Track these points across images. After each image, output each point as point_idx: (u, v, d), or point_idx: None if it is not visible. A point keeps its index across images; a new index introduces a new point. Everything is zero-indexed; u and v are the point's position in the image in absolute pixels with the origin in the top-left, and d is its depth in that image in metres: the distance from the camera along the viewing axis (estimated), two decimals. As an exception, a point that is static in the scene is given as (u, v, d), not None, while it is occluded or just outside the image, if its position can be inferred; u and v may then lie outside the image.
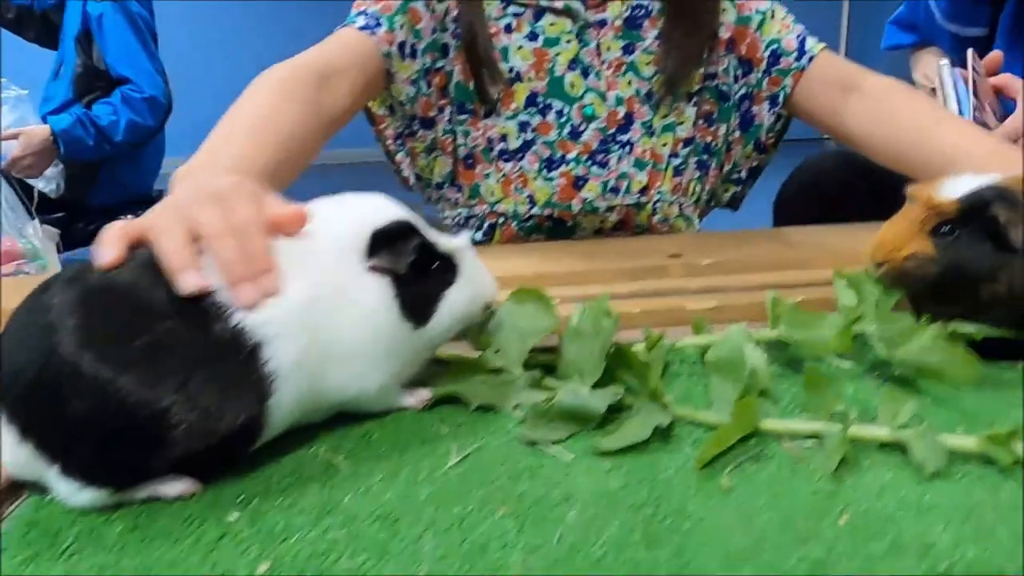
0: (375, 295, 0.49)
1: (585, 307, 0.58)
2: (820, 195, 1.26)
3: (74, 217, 3.01)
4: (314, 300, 0.47)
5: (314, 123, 0.74)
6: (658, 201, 0.92)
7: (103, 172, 2.62)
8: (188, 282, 0.44)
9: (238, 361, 0.44)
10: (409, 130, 0.92)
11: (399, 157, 0.93)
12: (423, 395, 0.55)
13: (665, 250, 0.83)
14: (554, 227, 0.92)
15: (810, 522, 0.41)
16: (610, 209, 0.91)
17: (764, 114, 0.93)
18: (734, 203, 1.03)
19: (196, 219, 0.47)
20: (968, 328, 0.57)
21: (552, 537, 0.40)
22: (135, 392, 0.42)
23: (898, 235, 0.57)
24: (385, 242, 0.50)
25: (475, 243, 0.93)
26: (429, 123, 0.92)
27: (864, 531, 0.40)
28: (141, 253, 0.47)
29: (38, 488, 0.45)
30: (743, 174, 1.00)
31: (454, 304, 0.53)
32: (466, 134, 0.91)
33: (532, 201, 0.91)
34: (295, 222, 0.49)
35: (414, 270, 0.50)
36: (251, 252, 0.46)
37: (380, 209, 0.52)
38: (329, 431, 0.52)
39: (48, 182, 2.26)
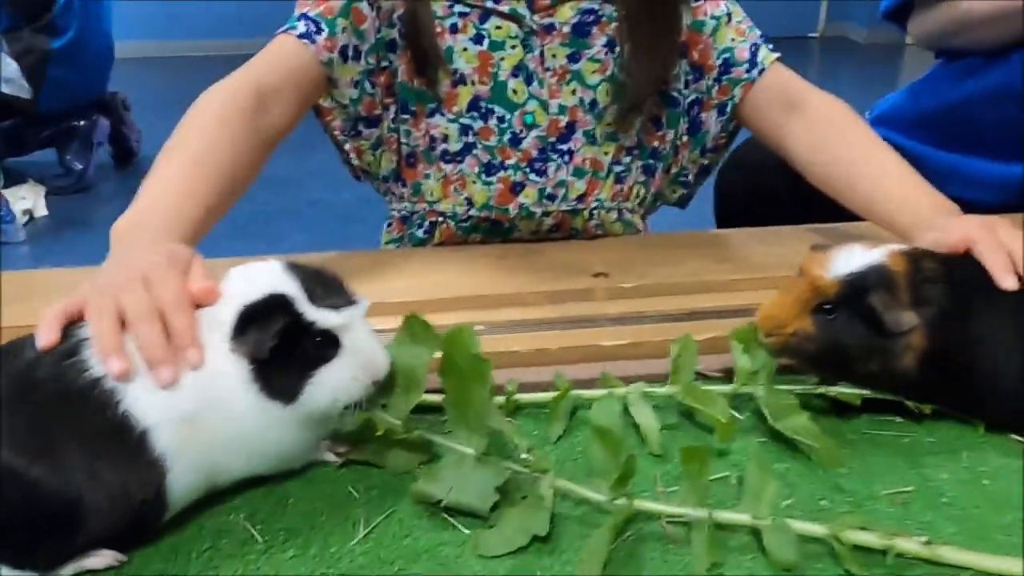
0: (236, 378, 0.51)
1: (451, 347, 0.57)
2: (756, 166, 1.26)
3: (24, 124, 2.94)
4: (193, 387, 0.50)
5: (254, 147, 0.78)
6: (596, 208, 0.94)
7: (51, 75, 2.54)
8: (113, 367, 0.49)
9: (132, 446, 0.48)
10: (355, 131, 0.92)
11: (347, 147, 0.94)
12: (340, 451, 0.59)
13: (593, 266, 0.86)
14: (492, 228, 0.95)
15: (665, 620, 0.47)
16: (547, 214, 0.93)
17: (712, 122, 0.94)
18: (682, 203, 1.05)
19: (122, 302, 0.52)
20: (849, 394, 0.63)
21: (436, 635, 0.45)
22: (49, 482, 0.46)
23: (783, 310, 0.61)
24: (250, 323, 0.51)
25: (417, 242, 0.97)
26: (374, 121, 0.92)
27: (709, 633, 0.46)
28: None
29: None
30: (691, 177, 1.01)
31: (329, 382, 0.52)
32: (408, 133, 0.91)
33: (470, 203, 0.93)
34: (206, 297, 0.53)
35: (278, 351, 0.50)
36: (175, 330, 0.51)
37: (255, 285, 0.52)
38: (250, 490, 0.56)
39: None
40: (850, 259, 0.60)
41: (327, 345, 0.52)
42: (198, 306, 0.53)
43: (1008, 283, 0.61)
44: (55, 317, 0.52)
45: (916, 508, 0.56)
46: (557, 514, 0.54)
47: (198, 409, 0.50)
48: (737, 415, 0.65)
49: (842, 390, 0.63)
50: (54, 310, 0.53)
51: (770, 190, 1.17)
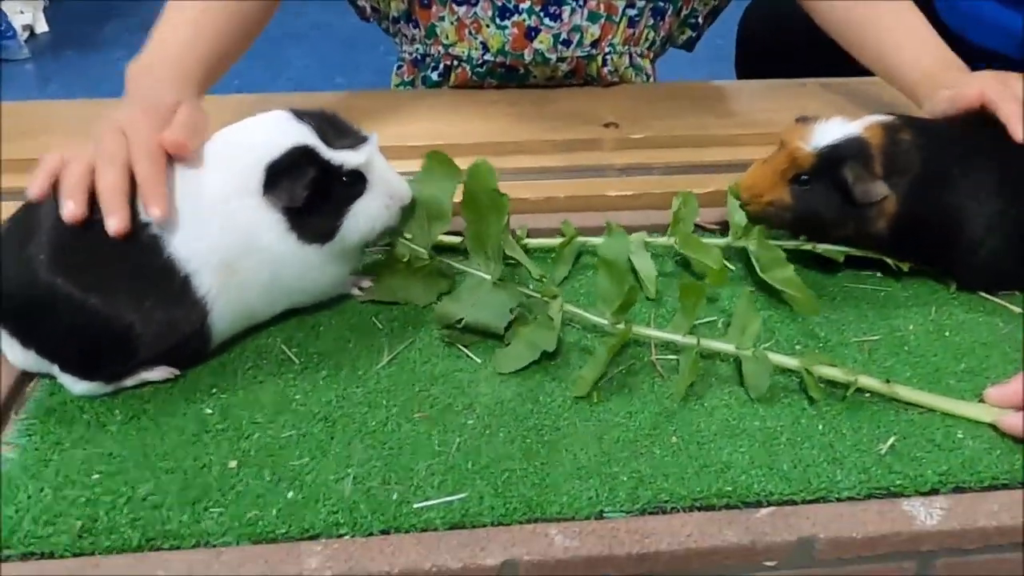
0: (270, 226, 0.55)
1: (472, 180, 0.62)
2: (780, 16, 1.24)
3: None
4: (225, 243, 0.54)
5: None
6: (609, 53, 0.95)
7: None
8: (67, 208, 0.52)
9: (176, 288, 0.53)
10: None
11: None
12: (364, 284, 0.65)
13: (604, 116, 0.89)
14: (507, 73, 0.96)
15: (648, 440, 0.54)
16: (562, 60, 0.94)
17: None
18: (689, 45, 1.05)
19: (98, 149, 0.55)
20: (833, 250, 0.68)
21: (452, 445, 0.53)
22: (103, 310, 0.52)
23: (762, 180, 0.65)
24: (280, 176, 0.54)
25: (431, 84, 0.98)
26: None
27: (685, 452, 0.53)
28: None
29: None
30: (700, 19, 1.01)
31: (363, 214, 0.57)
32: (421, -29, 0.90)
33: (485, 48, 0.93)
34: (177, 151, 0.55)
35: (311, 199, 0.54)
36: (139, 179, 0.53)
37: (276, 138, 0.55)
38: (285, 320, 0.62)
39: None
40: (828, 131, 0.63)
41: (355, 183, 0.57)
42: (170, 158, 0.55)
43: (1021, 134, 0.63)
44: (47, 171, 0.54)
45: (880, 354, 0.62)
46: (561, 341, 0.61)
47: (237, 256, 0.55)
48: (729, 266, 0.71)
49: (827, 247, 0.68)
50: (51, 159, 0.55)
51: (791, 42, 1.16)
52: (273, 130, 0.57)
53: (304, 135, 0.56)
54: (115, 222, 0.52)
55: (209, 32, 0.70)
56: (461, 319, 0.61)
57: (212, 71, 0.70)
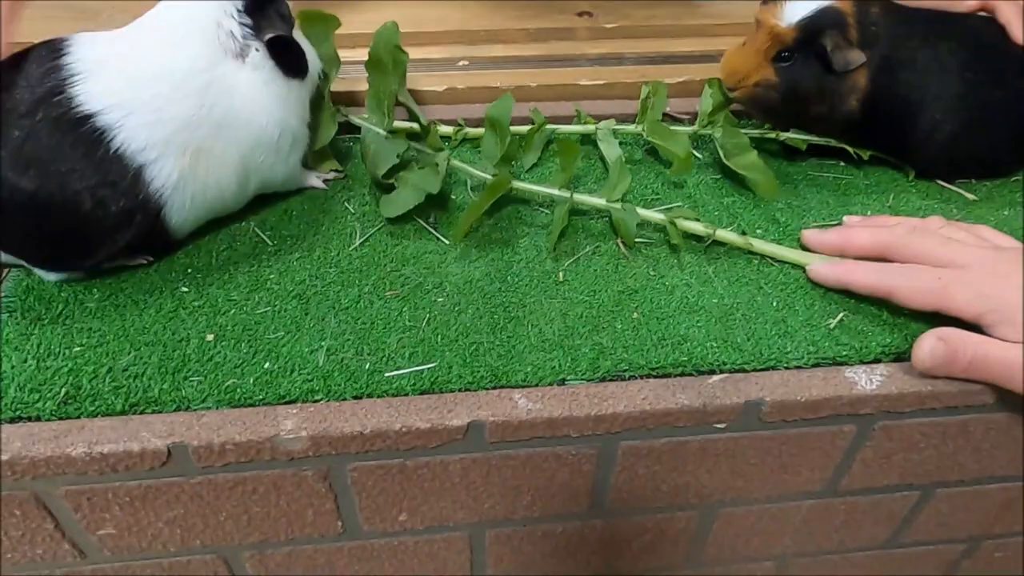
0: (252, 77, 0.56)
1: (378, 41, 0.65)
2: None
3: None
4: (196, 121, 0.54)
5: None
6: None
7: None
8: None
9: (128, 178, 0.52)
10: None
11: None
12: (328, 177, 0.66)
13: (577, 4, 0.88)
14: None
15: (610, 315, 0.57)
16: (535, -53, 0.92)
17: None
18: None
19: None
20: (796, 138, 0.69)
21: (423, 320, 0.55)
22: (56, 209, 0.50)
23: (746, 62, 0.65)
24: (263, 9, 0.57)
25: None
26: None
27: (645, 326, 0.56)
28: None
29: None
30: None
31: (311, 51, 0.62)
32: None
33: (457, -67, 0.91)
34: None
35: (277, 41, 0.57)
36: None
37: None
38: (257, 205, 0.63)
39: None
40: (802, 6, 0.63)
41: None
42: None
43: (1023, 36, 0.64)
44: None
45: (837, 238, 0.64)
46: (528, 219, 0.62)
47: (207, 135, 0.55)
48: (696, 154, 0.72)
49: (791, 135, 0.69)
50: None
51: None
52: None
53: None
54: None
55: None
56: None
57: None
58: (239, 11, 0.56)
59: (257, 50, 0.56)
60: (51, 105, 0.50)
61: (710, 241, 0.61)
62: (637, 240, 0.63)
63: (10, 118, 0.50)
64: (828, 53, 0.61)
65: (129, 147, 0.52)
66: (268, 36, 0.56)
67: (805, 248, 0.61)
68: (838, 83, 0.63)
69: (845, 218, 0.64)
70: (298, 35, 0.61)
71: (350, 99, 0.73)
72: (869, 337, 0.55)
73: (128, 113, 0.52)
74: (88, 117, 0.51)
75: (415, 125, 0.68)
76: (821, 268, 0.58)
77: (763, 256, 0.61)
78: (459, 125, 0.72)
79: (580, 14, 0.86)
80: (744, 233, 0.61)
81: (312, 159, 0.66)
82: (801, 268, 0.60)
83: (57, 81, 0.51)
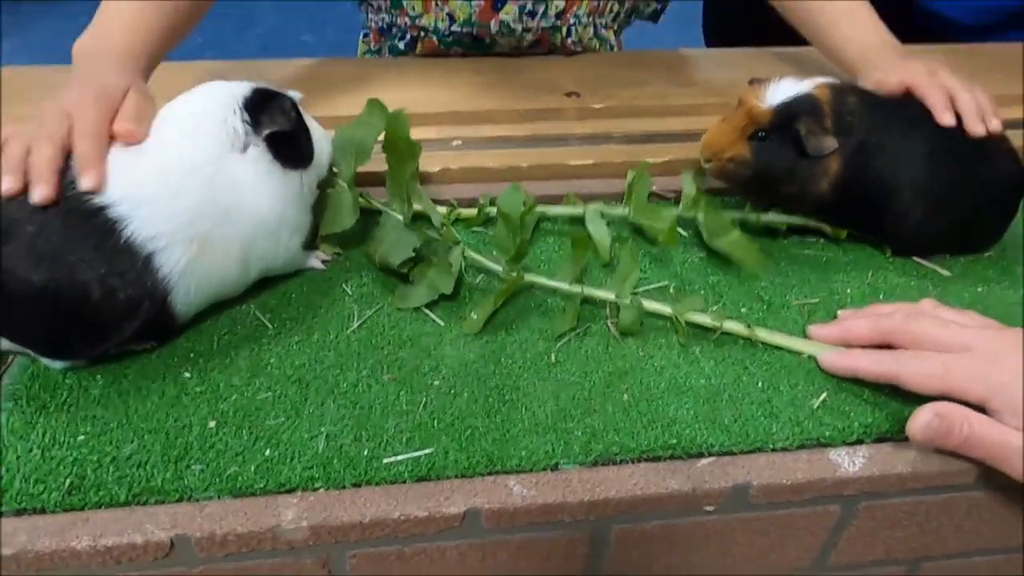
0: (253, 170, 0.59)
1: (392, 127, 0.66)
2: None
3: None
4: (202, 213, 0.56)
5: None
6: (574, 24, 0.97)
7: None
8: (4, 184, 0.53)
9: (137, 267, 0.54)
10: None
11: None
12: (326, 258, 0.68)
13: (566, 84, 0.91)
14: (473, 43, 0.97)
15: (601, 397, 0.58)
16: (527, 31, 0.96)
17: None
18: (655, 17, 1.07)
19: (41, 128, 0.56)
20: (777, 220, 0.72)
21: (419, 404, 0.57)
22: (64, 299, 0.52)
23: (723, 137, 0.68)
24: (261, 107, 0.60)
25: (398, 53, 1.00)
26: None
27: (635, 408, 0.57)
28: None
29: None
30: None
31: (323, 141, 0.65)
32: (387, -59, 0.92)
33: (452, 18, 0.95)
34: (127, 137, 0.57)
35: (280, 135, 0.60)
36: (78, 155, 0.54)
37: (235, 90, 0.60)
38: (257, 287, 0.65)
39: None
40: (782, 90, 0.67)
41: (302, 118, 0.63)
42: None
43: (947, 119, 0.68)
44: None
45: (819, 315, 0.66)
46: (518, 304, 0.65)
47: (213, 226, 0.57)
48: (682, 231, 0.75)
49: (771, 218, 0.72)
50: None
51: (757, 9, 1.19)
52: (226, 88, 0.61)
53: (251, 85, 0.62)
54: (40, 191, 0.52)
55: (155, 11, 0.69)
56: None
57: (160, 50, 0.70)
58: (240, 107, 0.59)
59: (257, 144, 0.59)
60: (65, 198, 0.53)
61: (718, 334, 0.63)
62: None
63: (22, 214, 0.52)
64: (802, 138, 0.65)
65: (139, 236, 0.54)
66: (266, 132, 0.59)
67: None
68: (810, 166, 0.66)
69: (840, 312, 0.65)
70: (309, 121, 0.64)
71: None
72: (851, 417, 0.57)
73: (140, 204, 0.54)
74: (101, 209, 0.53)
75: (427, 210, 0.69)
76: (831, 357, 0.60)
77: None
78: (452, 205, 0.74)
79: (568, 94, 0.90)
80: (749, 326, 0.63)
81: (320, 240, 0.68)
82: (789, 351, 0.62)
83: (72, 178, 0.53)
